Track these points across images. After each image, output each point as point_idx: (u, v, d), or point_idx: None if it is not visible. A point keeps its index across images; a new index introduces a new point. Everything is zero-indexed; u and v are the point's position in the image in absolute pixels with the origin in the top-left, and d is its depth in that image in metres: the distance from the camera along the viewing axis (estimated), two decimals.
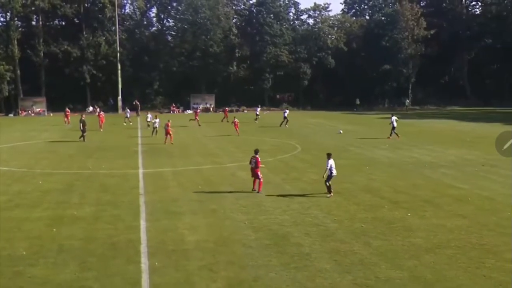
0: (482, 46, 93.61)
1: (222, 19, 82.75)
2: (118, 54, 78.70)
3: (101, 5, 79.04)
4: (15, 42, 74.68)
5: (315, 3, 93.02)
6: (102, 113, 54.84)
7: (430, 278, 12.59)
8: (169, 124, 38.99)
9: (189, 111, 78.24)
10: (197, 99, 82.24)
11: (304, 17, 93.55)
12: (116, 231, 16.38)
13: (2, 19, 79.20)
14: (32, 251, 14.55)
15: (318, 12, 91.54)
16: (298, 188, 22.63)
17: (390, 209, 18.97)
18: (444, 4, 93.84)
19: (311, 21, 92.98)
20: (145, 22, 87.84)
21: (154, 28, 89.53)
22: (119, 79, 78.52)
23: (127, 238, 15.67)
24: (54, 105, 73.19)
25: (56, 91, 76.08)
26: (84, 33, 78.93)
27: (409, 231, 16.32)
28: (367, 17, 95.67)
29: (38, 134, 47.03)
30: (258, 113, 60.17)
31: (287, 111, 55.92)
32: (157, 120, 44.14)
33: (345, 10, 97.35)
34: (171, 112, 77.09)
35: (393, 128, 41.18)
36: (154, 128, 43.51)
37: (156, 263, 13.56)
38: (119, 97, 78.67)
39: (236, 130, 44.71)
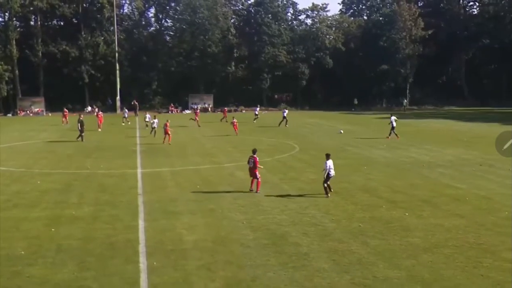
0: (479, 46, 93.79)
1: (220, 19, 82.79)
2: (117, 54, 78.68)
3: (99, 5, 79.01)
4: (14, 42, 74.63)
5: (313, 3, 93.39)
6: (100, 113, 54.85)
7: (428, 278, 12.63)
8: (168, 124, 39.01)
9: (188, 111, 78.32)
10: (196, 99, 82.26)
11: (302, 17, 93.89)
12: (115, 231, 16.40)
13: (0, 19, 79.35)
14: (31, 251, 14.56)
15: (316, 12, 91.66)
16: (296, 188, 22.66)
17: (388, 209, 19.01)
18: (441, 5, 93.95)
19: (309, 21, 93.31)
20: (143, 22, 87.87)
21: (152, 28, 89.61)
22: (118, 79, 78.50)
23: (125, 238, 15.69)
24: (53, 105, 73.14)
25: (54, 91, 76.02)
26: (83, 33, 78.93)
27: (407, 230, 16.37)
28: (365, 17, 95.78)
29: (36, 134, 47.01)
30: (257, 113, 60.26)
31: (286, 111, 55.98)
32: (155, 121, 44.12)
33: (343, 10, 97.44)
34: (170, 112, 77.08)
35: (393, 128, 41.24)
36: (153, 128, 43.51)
37: (155, 263, 13.58)
38: (118, 97, 78.67)
39: (235, 130, 44.77)
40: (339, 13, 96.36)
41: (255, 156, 21.76)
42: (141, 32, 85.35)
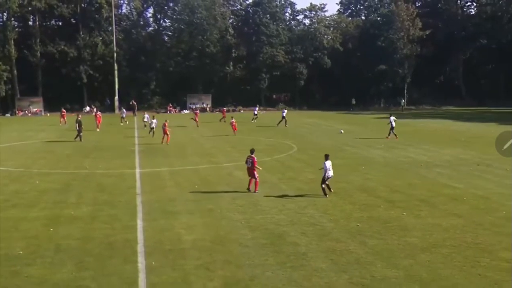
0: (477, 46, 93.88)
1: (218, 20, 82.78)
2: (115, 54, 78.58)
3: (97, 5, 78.90)
4: (12, 42, 74.51)
5: (311, 4, 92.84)
6: (99, 113, 54.87)
7: (426, 277, 12.67)
8: (166, 124, 39.03)
9: (186, 111, 78.38)
10: (194, 99, 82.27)
11: (300, 17, 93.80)
12: (113, 231, 16.43)
13: None
14: (29, 251, 14.59)
15: (314, 13, 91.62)
16: (294, 188, 22.71)
17: (385, 209, 19.06)
18: (439, 5, 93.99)
19: (307, 21, 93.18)
20: (141, 22, 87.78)
21: (150, 28, 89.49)
22: (116, 79, 78.41)
23: (124, 238, 15.72)
24: (51, 105, 73.07)
25: (53, 91, 75.94)
26: (81, 33, 78.84)
27: (405, 230, 16.42)
28: (363, 18, 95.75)
29: (35, 134, 47.00)
30: (256, 112, 60.49)
31: (286, 111, 56.04)
32: (154, 121, 44.08)
33: (341, 10, 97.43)
34: (168, 112, 77.06)
35: (392, 128, 41.34)
36: (152, 128, 43.47)
37: (153, 263, 13.61)
38: (116, 97, 78.58)
39: (234, 130, 44.80)
40: (337, 13, 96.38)
41: (253, 156, 21.80)
42: (140, 32, 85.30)
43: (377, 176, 25.53)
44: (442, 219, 17.58)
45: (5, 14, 75.90)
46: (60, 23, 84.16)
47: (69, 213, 18.60)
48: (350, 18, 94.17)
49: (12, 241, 15.46)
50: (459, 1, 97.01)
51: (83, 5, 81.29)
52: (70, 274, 12.94)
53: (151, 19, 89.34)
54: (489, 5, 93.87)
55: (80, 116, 44.14)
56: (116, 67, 78.41)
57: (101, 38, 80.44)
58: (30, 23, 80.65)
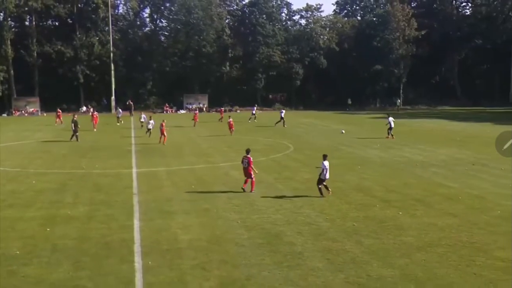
0: (472, 46, 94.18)
1: (215, 20, 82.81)
2: (112, 54, 78.54)
3: (94, 5, 78.85)
4: (8, 42, 74.37)
5: (307, 4, 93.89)
6: (96, 113, 54.84)
7: (421, 276, 12.73)
8: (164, 124, 39.04)
9: (183, 111, 78.44)
10: (190, 99, 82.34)
11: (296, 17, 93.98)
12: (110, 231, 16.44)
13: None
14: (26, 251, 14.59)
15: (310, 13, 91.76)
16: (291, 188, 22.75)
17: (381, 208, 19.13)
18: (434, 5, 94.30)
19: (303, 21, 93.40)
20: (138, 23, 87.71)
21: (147, 29, 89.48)
22: (113, 79, 78.38)
23: (120, 238, 15.73)
24: (48, 105, 72.93)
25: (49, 91, 75.86)
26: (78, 33, 78.74)
27: (401, 229, 16.48)
28: (359, 18, 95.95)
29: (31, 134, 46.95)
30: (254, 112, 60.72)
31: (284, 111, 56.11)
32: (151, 122, 43.98)
33: (337, 10, 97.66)
34: (165, 112, 77.04)
35: (390, 128, 41.47)
36: (149, 129, 43.37)
37: (150, 262, 13.63)
38: (113, 97, 78.55)
39: (231, 129, 44.80)
40: (333, 13, 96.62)
41: (249, 156, 21.83)
42: (136, 32, 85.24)
43: (373, 175, 25.60)
44: (438, 219, 17.66)
45: (1, 14, 75.77)
46: (57, 23, 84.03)
47: (66, 213, 18.60)
48: (346, 19, 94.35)
49: (9, 241, 15.46)
50: (454, 1, 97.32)
51: (79, 5, 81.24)
52: (67, 273, 12.95)
53: (147, 19, 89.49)
54: (484, 5, 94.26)
55: (76, 116, 44.12)
56: (112, 67, 78.40)
57: (97, 38, 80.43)
58: (27, 23, 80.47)
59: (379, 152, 33.89)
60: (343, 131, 45.23)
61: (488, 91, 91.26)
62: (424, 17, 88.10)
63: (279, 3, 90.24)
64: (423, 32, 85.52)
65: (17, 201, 20.56)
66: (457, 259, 13.84)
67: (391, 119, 41.85)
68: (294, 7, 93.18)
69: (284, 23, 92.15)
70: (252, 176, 21.72)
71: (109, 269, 13.26)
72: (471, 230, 16.36)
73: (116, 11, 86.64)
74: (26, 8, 76.12)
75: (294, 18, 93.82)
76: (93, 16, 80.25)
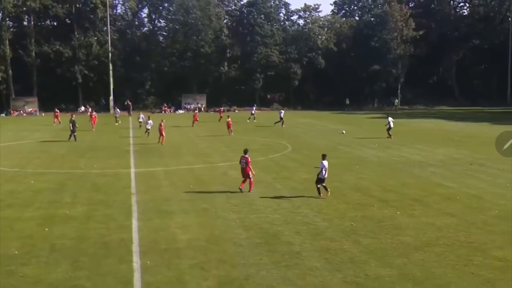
0: (470, 46, 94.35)
1: (213, 20, 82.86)
2: (110, 54, 78.57)
3: (92, 5, 78.87)
4: (7, 42, 74.39)
5: (305, 4, 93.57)
6: (94, 113, 54.88)
7: (419, 276, 12.75)
8: (162, 124, 39.05)
9: (181, 111, 78.46)
10: (189, 99, 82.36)
11: (294, 17, 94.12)
12: (108, 231, 16.45)
13: None
14: (24, 251, 14.59)
15: (308, 13, 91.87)
16: (289, 187, 22.78)
17: (379, 208, 19.16)
18: (432, 5, 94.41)
19: (301, 21, 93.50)
20: (136, 23, 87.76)
21: (145, 29, 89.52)
22: (111, 79, 78.39)
23: (119, 238, 15.74)
24: (46, 105, 72.93)
25: (48, 91, 75.85)
26: (76, 33, 78.77)
27: (398, 229, 16.51)
28: (357, 18, 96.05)
29: (29, 134, 46.94)
30: (253, 112, 60.83)
31: (283, 111, 56.20)
32: (150, 122, 43.97)
33: (335, 11, 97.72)
34: (163, 112, 77.04)
35: (389, 128, 41.54)
36: (147, 129, 43.35)
37: (148, 262, 13.64)
38: (111, 97, 78.57)
39: (229, 129, 44.81)
40: (331, 13, 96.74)
41: (246, 156, 21.83)
42: (134, 32, 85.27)
43: (371, 175, 25.63)
44: (436, 218, 17.69)
45: (0, 14, 75.67)
46: (55, 23, 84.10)
47: (64, 212, 18.61)
48: (344, 19, 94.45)
49: (7, 241, 15.45)
50: (452, 1, 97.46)
51: (78, 5, 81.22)
52: (65, 273, 12.95)
53: (146, 19, 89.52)
54: (481, 5, 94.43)
55: (74, 116, 44.11)
56: (111, 67, 78.41)
57: (96, 38, 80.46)
58: (25, 23, 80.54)
59: (377, 152, 33.93)
60: (344, 132, 45.24)
61: (486, 91, 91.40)
62: (422, 17, 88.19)
63: (277, 3, 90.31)
64: (421, 32, 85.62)
65: (16, 201, 20.56)
66: (455, 259, 13.87)
67: (390, 119, 41.93)
68: (292, 7, 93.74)
69: (282, 23, 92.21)
70: (250, 176, 21.72)
71: (108, 269, 13.26)
72: (469, 230, 16.40)
73: (115, 11, 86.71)
74: (25, 8, 76.21)
75: (292, 18, 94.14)
76: (91, 16, 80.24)
